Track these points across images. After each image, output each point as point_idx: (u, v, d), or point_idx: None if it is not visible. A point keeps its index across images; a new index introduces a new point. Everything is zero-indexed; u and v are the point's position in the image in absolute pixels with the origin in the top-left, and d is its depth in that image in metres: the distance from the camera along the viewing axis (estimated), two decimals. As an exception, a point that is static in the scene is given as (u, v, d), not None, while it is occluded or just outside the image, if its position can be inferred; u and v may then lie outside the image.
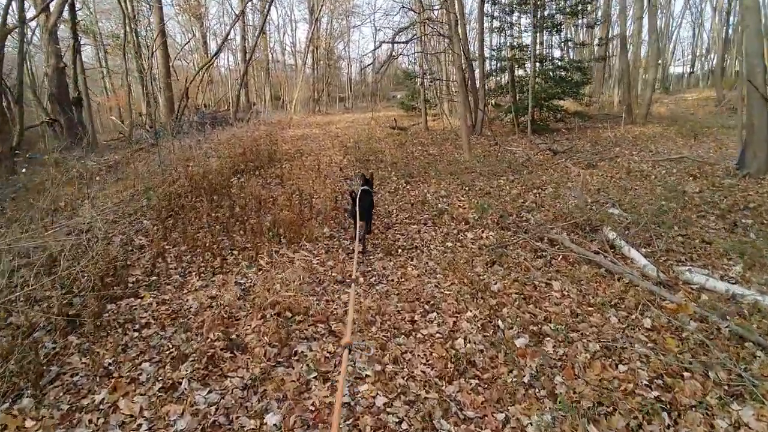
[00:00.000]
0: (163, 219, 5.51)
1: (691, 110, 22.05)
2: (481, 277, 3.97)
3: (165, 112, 18.22)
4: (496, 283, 3.84)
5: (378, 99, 43.27)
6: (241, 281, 3.94)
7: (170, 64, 18.17)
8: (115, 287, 3.61)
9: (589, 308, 3.41)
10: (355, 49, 66.95)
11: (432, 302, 3.57)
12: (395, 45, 15.00)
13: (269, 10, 15.99)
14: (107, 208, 6.03)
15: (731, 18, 26.53)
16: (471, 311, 3.37)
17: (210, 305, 3.44)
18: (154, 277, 4.00)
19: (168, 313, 3.36)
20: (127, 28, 13.23)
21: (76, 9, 16.58)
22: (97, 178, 8.54)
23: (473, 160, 9.88)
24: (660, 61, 31.76)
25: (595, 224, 5.08)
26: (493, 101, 16.15)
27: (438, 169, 8.74)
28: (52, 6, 16.85)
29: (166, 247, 4.66)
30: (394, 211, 6.27)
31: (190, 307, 3.44)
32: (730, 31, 26.38)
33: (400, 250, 4.79)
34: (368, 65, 14.29)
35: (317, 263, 4.39)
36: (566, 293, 3.65)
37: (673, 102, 24.55)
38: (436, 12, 17.34)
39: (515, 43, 14.68)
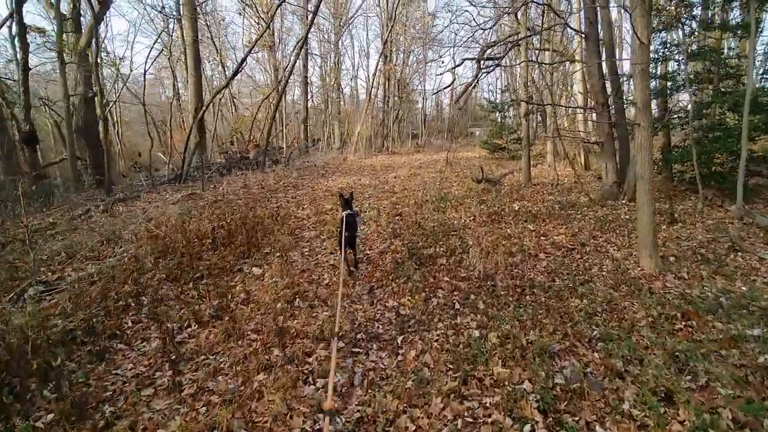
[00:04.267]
0: None
1: None
2: None
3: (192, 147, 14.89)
4: None
5: (453, 136, 38.51)
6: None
7: (203, 95, 14.96)
8: None
9: None
10: (431, 82, 63.82)
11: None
12: (483, 62, 10.13)
13: (311, 25, 12.10)
14: None
15: None
16: None
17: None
18: None
19: None
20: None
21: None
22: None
23: (673, 277, 4.41)
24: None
25: None
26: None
27: (606, 328, 3.40)
28: (84, 25, 14.73)
29: None
30: None
31: None
32: None
33: None
34: (445, 88, 9.95)
35: None
36: None
37: None
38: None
39: (689, 49, 9.02)
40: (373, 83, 24.17)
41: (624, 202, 7.69)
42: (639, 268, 4.75)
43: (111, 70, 17.02)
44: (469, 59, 9.83)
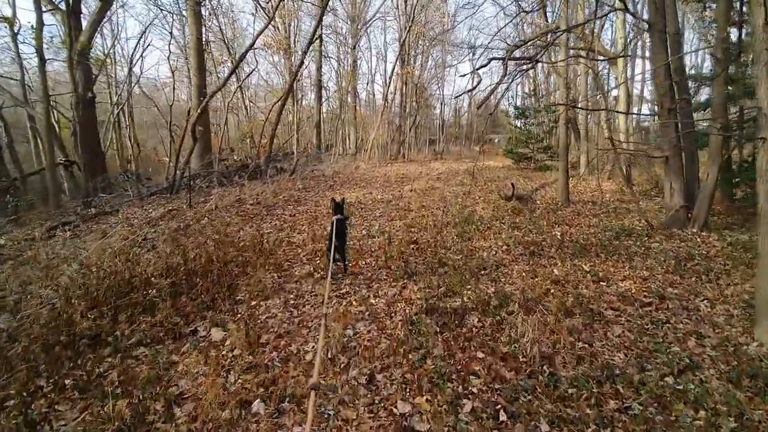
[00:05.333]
0: None
1: None
2: None
3: (195, 154, 13.83)
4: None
5: (478, 145, 36.91)
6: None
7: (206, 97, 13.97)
8: None
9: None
10: (449, 87, 62.57)
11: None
12: (518, 62, 8.83)
13: (320, 20, 10.93)
14: None
15: None
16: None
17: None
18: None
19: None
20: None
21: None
22: None
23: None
24: None
25: None
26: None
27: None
28: (84, 22, 13.89)
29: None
30: None
31: None
32: None
33: None
34: (470, 90, 8.91)
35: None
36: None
37: None
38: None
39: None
40: (389, 87, 22.96)
41: (695, 231, 6.18)
42: (756, 343, 3.31)
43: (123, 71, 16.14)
44: (496, 59, 8.48)
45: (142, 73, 22.13)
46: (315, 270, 4.91)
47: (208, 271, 4.21)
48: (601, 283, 4.52)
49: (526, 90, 28.53)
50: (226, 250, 4.76)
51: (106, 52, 20.42)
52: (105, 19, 20.91)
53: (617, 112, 9.19)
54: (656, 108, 6.11)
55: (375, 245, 5.95)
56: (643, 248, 5.65)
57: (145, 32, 13.40)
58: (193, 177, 11.33)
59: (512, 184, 8.31)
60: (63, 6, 11.18)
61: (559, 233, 6.52)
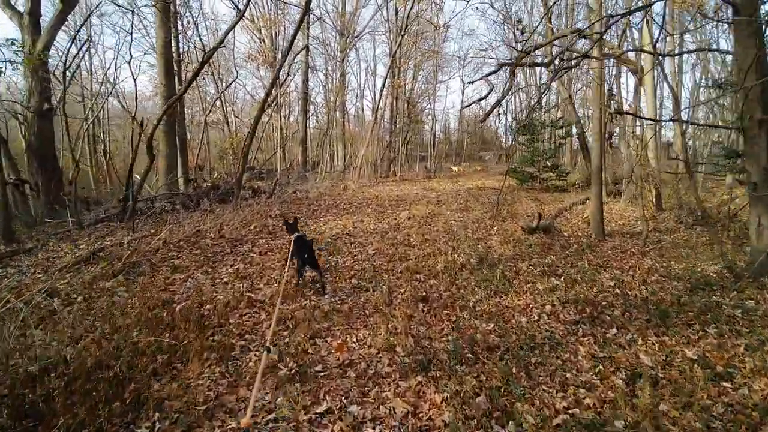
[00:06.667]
0: None
1: None
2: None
3: (162, 172, 12.07)
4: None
5: (462, 161, 35.84)
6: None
7: (175, 107, 12.34)
8: None
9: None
10: (441, 104, 61.92)
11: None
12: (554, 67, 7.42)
13: (302, 19, 9.47)
14: None
15: None
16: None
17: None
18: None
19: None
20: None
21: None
22: None
23: None
24: None
25: None
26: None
27: None
28: (43, 26, 12.22)
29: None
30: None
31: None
32: None
33: None
34: (480, 99, 7.57)
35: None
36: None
37: None
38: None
39: None
40: (379, 103, 21.58)
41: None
42: None
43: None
44: (506, 64, 7.05)
45: (115, 84, 20.38)
46: (281, 357, 3.23)
47: (99, 374, 2.50)
48: (724, 384, 2.92)
49: (519, 104, 27.54)
50: (143, 332, 3.05)
51: (77, 61, 18.73)
52: (79, 27, 19.28)
53: (694, 123, 7.70)
54: (743, 119, 4.64)
55: (370, 305, 4.30)
56: (741, 311, 4.09)
57: (87, 19, 11.77)
58: (152, 200, 9.60)
59: (539, 214, 6.77)
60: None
61: (611, 281, 4.96)
